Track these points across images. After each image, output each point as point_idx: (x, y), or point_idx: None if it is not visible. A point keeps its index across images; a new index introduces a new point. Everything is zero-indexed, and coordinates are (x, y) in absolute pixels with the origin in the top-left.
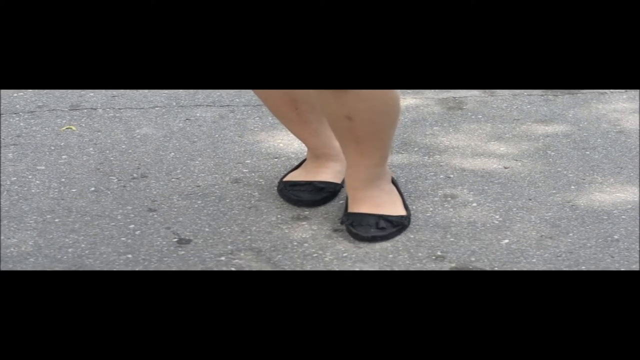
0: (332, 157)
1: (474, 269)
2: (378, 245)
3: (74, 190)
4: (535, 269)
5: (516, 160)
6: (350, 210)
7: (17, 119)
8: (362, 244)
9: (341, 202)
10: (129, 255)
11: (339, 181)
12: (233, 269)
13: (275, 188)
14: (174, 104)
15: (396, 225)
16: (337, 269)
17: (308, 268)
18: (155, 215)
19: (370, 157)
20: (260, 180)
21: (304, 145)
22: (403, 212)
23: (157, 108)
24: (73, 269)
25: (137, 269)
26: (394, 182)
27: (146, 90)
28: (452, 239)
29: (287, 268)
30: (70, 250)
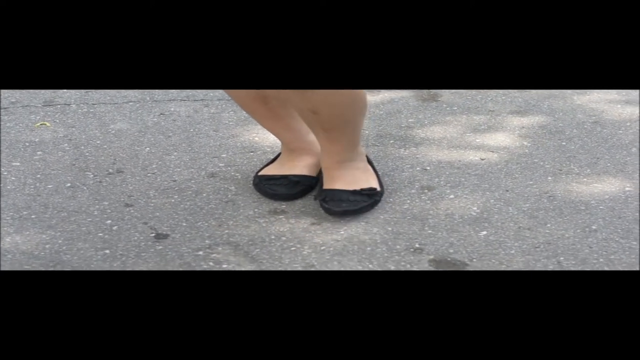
0: (306, 151)
1: (453, 261)
2: (356, 239)
3: (49, 186)
4: (514, 261)
5: (492, 151)
6: (325, 187)
7: None
8: (339, 236)
9: None
10: (107, 251)
11: (314, 174)
12: (211, 263)
13: (252, 182)
14: (148, 98)
15: (369, 198)
16: (315, 263)
17: (286, 262)
18: (132, 211)
19: (340, 142)
20: (237, 175)
21: None
22: (376, 187)
23: (131, 103)
24: (50, 265)
25: (115, 265)
26: (369, 161)
27: None
28: (430, 231)
29: (265, 262)
30: (47, 246)
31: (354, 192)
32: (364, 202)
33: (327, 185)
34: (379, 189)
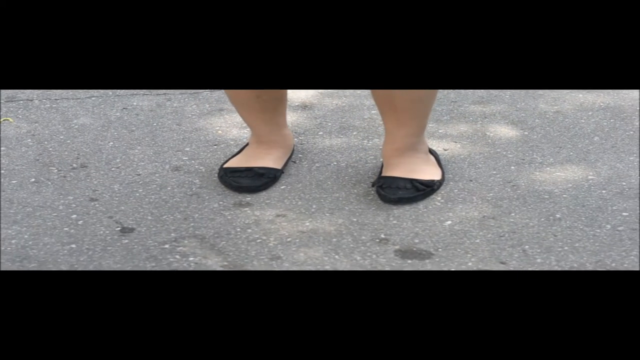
0: (277, 144)
1: (418, 251)
2: (322, 230)
3: (14, 181)
4: (479, 250)
5: (455, 142)
6: (383, 174)
7: None
8: (305, 228)
9: (282, 187)
10: (73, 245)
11: (279, 167)
12: (177, 256)
13: (216, 175)
14: (110, 93)
15: (424, 188)
16: (281, 254)
17: (252, 254)
18: (97, 205)
19: (408, 125)
20: (201, 168)
21: (242, 131)
22: (435, 177)
23: (93, 98)
24: (17, 260)
25: (81, 259)
26: (432, 152)
27: None
28: (395, 222)
29: (231, 254)
30: (13, 241)
31: (411, 180)
32: (419, 191)
33: (386, 172)
34: (437, 179)
